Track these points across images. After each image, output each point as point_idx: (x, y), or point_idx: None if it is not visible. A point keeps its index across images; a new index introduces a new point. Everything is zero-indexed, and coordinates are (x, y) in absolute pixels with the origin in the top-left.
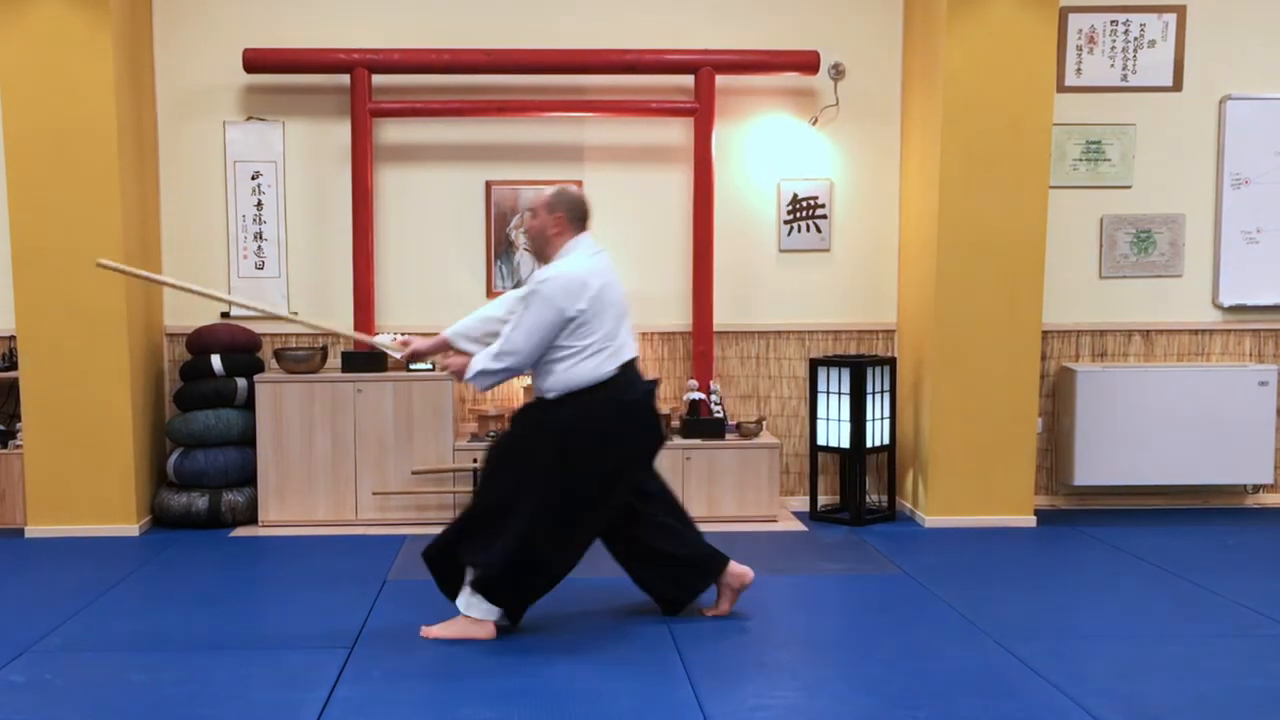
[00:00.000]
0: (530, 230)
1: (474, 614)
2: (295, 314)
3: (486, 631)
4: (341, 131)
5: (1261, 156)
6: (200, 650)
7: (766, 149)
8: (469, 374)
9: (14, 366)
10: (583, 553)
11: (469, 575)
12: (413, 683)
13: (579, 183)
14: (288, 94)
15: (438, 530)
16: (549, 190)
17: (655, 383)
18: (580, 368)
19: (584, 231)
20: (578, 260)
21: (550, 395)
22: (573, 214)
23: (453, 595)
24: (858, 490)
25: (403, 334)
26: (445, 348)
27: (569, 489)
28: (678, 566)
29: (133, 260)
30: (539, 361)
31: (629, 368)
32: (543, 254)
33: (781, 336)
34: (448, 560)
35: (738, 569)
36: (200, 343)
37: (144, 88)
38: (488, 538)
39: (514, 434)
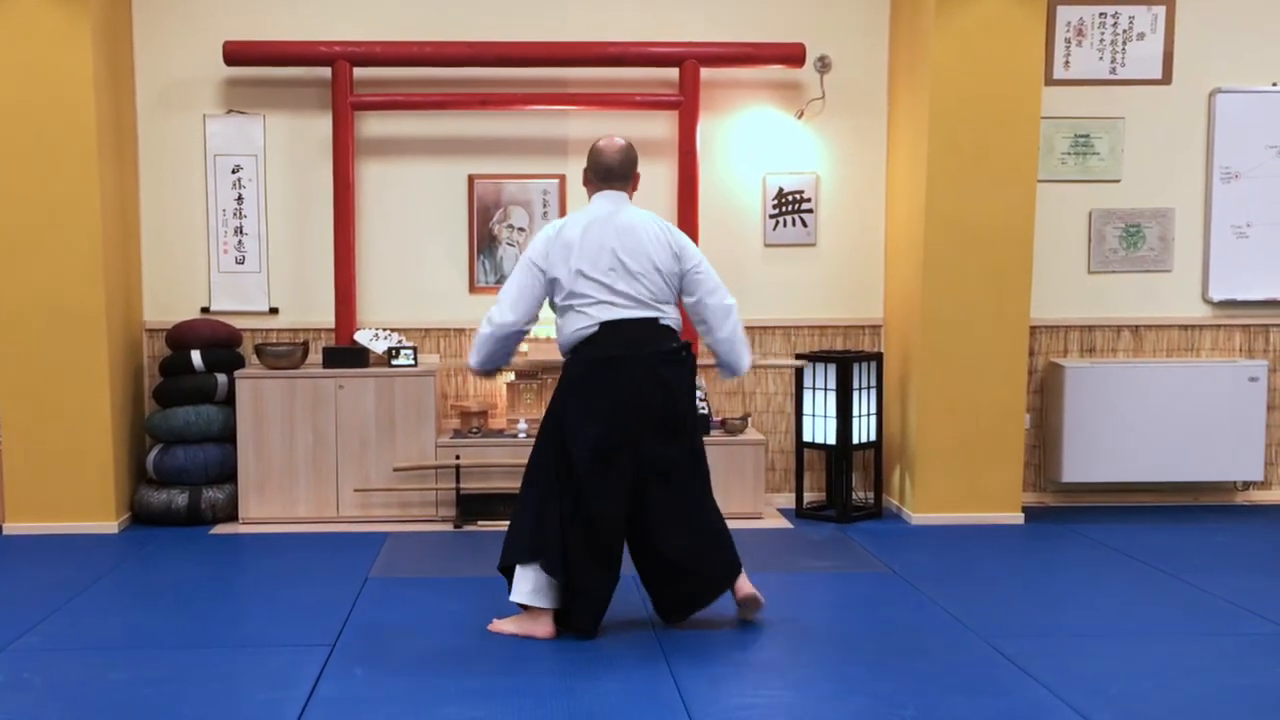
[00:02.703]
0: None
1: (522, 600)
2: None
3: (544, 630)
4: (323, 125)
5: (1251, 150)
6: (181, 648)
7: (751, 142)
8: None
9: None
10: (600, 533)
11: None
12: (395, 680)
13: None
14: (268, 87)
15: (419, 527)
16: None
17: (670, 348)
18: (564, 325)
19: (608, 187)
20: (574, 213)
21: (562, 358)
22: (591, 168)
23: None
24: (844, 487)
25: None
26: None
27: (562, 455)
28: (685, 579)
29: (111, 255)
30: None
31: (619, 327)
32: None
33: (767, 332)
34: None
35: (743, 585)
36: (180, 338)
37: (123, 81)
38: (523, 529)
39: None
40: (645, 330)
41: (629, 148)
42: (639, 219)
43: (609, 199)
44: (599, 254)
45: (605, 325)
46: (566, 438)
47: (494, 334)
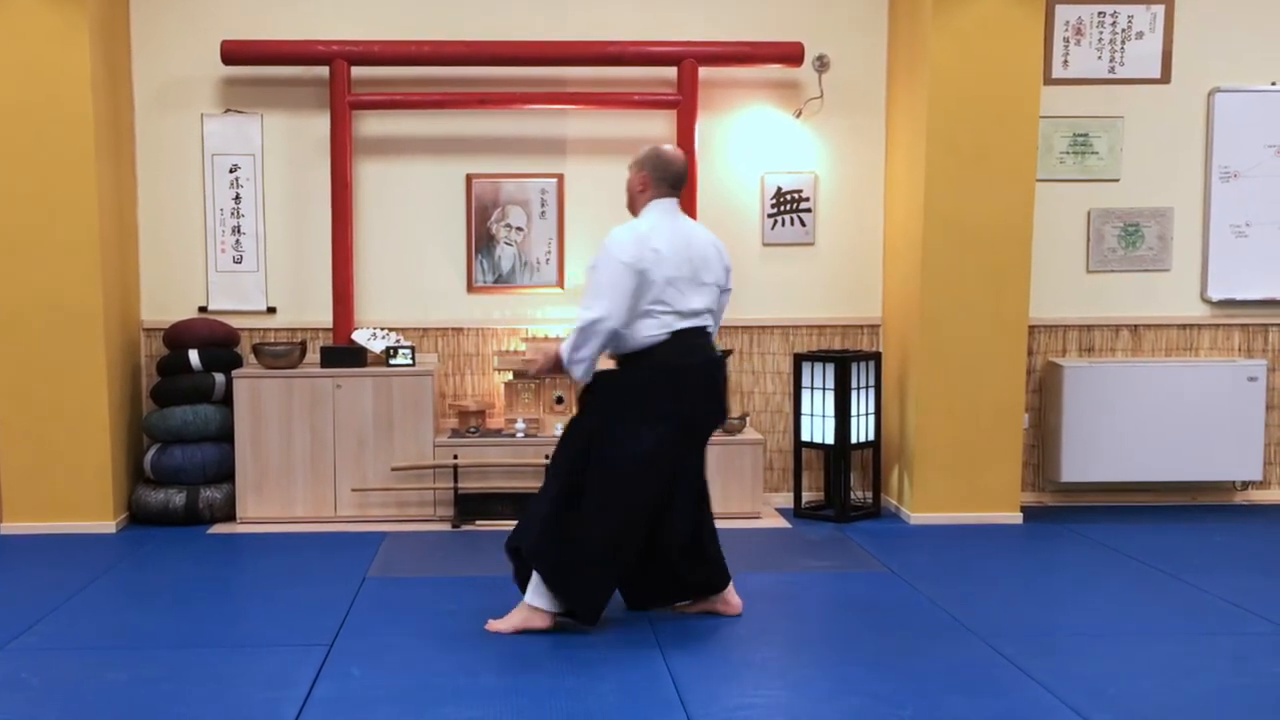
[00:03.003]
0: (627, 185)
1: (534, 602)
2: None
3: (543, 622)
4: (320, 124)
5: (1250, 149)
6: (178, 648)
7: (750, 142)
8: (564, 356)
9: None
10: (628, 534)
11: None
12: (392, 680)
13: (676, 149)
14: (266, 86)
15: (417, 527)
16: (646, 147)
17: (720, 357)
18: (634, 329)
19: (672, 195)
20: (647, 219)
21: (613, 362)
22: (659, 174)
23: (522, 588)
24: (842, 487)
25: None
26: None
27: (607, 456)
28: (679, 580)
29: (109, 254)
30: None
31: (685, 335)
32: (632, 211)
33: (765, 331)
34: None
35: (730, 598)
36: (178, 338)
37: (121, 80)
38: (529, 516)
39: (578, 408)
40: (700, 339)
41: (685, 156)
42: (697, 230)
43: (671, 208)
44: (681, 263)
45: (675, 333)
46: (614, 438)
47: (603, 333)
